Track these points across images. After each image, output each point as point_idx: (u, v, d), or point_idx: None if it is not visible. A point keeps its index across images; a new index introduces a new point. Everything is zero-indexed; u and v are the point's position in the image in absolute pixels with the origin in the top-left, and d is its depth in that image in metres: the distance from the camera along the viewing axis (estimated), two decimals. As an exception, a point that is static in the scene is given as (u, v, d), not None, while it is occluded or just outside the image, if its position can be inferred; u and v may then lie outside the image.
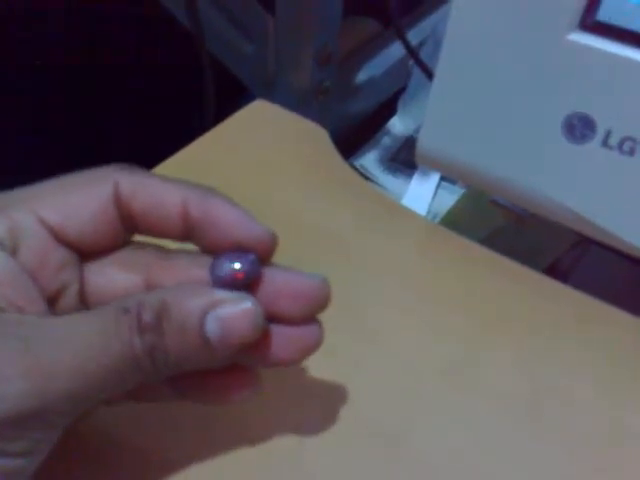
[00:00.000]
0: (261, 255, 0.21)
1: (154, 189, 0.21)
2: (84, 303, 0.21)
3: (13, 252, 0.19)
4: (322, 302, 0.21)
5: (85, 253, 0.21)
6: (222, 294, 0.19)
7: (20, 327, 0.18)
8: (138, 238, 0.22)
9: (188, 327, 0.19)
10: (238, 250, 0.20)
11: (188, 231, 0.21)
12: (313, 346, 0.21)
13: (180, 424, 0.25)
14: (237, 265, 0.20)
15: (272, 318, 0.21)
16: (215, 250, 0.21)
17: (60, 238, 0.20)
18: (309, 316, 0.21)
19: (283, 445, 0.24)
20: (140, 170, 0.21)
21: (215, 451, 0.24)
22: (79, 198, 0.20)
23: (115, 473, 0.23)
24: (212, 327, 0.19)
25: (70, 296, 0.21)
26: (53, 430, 0.18)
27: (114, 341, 0.18)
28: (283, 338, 0.21)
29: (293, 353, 0.21)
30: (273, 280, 0.21)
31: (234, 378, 0.22)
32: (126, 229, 0.21)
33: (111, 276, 0.22)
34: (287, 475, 0.24)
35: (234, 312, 0.19)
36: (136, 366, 0.18)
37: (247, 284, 0.20)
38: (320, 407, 0.26)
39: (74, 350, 0.17)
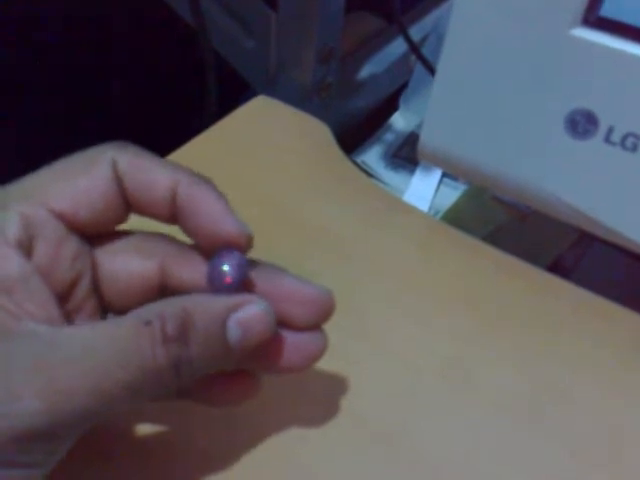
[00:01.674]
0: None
1: (147, 170, 0.21)
2: (98, 291, 0.21)
3: (29, 250, 0.19)
4: (328, 311, 0.21)
5: (95, 237, 0.21)
6: (237, 298, 0.20)
7: (33, 342, 0.18)
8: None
9: (212, 333, 0.19)
10: (227, 250, 0.20)
11: (175, 215, 0.21)
12: (317, 354, 0.22)
13: (181, 421, 0.25)
14: (225, 267, 0.20)
15: (279, 322, 0.21)
16: (195, 236, 0.21)
17: (72, 225, 0.20)
18: (314, 324, 0.21)
19: (283, 444, 0.24)
20: (135, 148, 0.21)
21: (215, 449, 0.24)
22: (85, 181, 0.20)
23: (117, 470, 0.24)
24: (233, 331, 0.19)
25: (84, 285, 0.21)
26: (65, 443, 0.18)
27: (134, 356, 0.18)
28: (289, 344, 0.21)
29: (298, 360, 0.21)
30: (282, 285, 0.21)
31: (237, 382, 0.22)
32: (126, 207, 0.21)
33: (126, 262, 0.22)
34: (287, 474, 0.24)
35: (252, 314, 0.19)
36: (158, 379, 0.18)
37: (237, 286, 0.20)
38: (320, 406, 0.26)
39: (89, 367, 0.17)
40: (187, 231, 0.21)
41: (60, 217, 0.20)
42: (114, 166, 0.21)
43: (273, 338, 0.21)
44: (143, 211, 0.21)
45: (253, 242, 0.21)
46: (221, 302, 0.19)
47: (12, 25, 0.58)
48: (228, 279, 0.20)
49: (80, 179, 0.20)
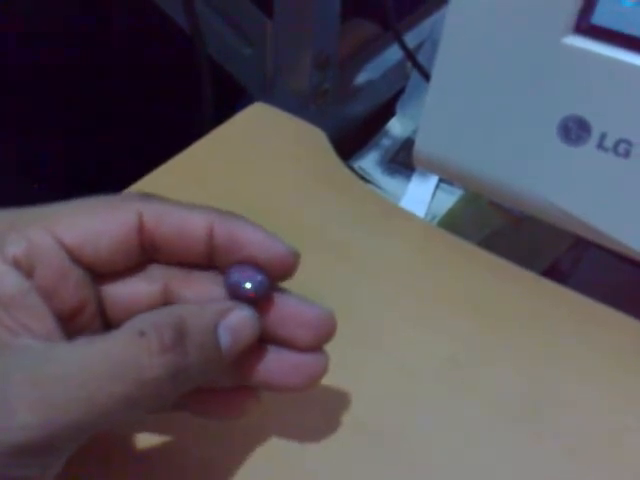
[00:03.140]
0: (284, 272, 0.21)
1: (179, 216, 0.21)
2: (104, 315, 0.22)
3: (29, 272, 0.19)
4: (329, 332, 0.22)
5: (99, 273, 0.21)
6: (225, 305, 0.20)
7: (29, 356, 0.18)
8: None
9: (206, 340, 0.19)
10: (248, 265, 0.21)
11: (212, 254, 0.21)
12: (318, 374, 0.22)
13: (180, 428, 0.25)
14: (248, 285, 0.21)
15: (281, 343, 0.21)
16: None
17: (76, 259, 0.20)
18: (316, 345, 0.22)
19: (282, 449, 0.25)
20: (160, 197, 0.22)
21: (214, 455, 0.24)
22: (100, 224, 0.20)
23: (116, 476, 0.24)
24: (224, 337, 0.19)
25: (88, 310, 0.21)
26: (61, 455, 0.18)
27: (130, 368, 0.18)
28: (290, 364, 0.22)
29: (298, 380, 0.22)
30: (285, 306, 0.21)
31: (236, 397, 0.22)
32: (143, 254, 0.21)
33: (130, 286, 0.22)
34: (288, 477, 0.24)
35: (240, 320, 0.20)
36: (155, 390, 0.18)
37: (258, 300, 0.21)
38: (320, 408, 0.26)
39: (84, 381, 0.17)
40: (227, 265, 0.21)
41: (66, 249, 0.20)
42: (139, 216, 0.21)
43: (275, 358, 0.21)
44: (176, 257, 0.22)
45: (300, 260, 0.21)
46: (212, 309, 0.20)
47: (11, 26, 0.59)
48: (252, 294, 0.21)
49: (95, 220, 0.21)
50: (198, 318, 0.19)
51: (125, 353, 0.18)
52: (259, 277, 0.21)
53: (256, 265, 0.21)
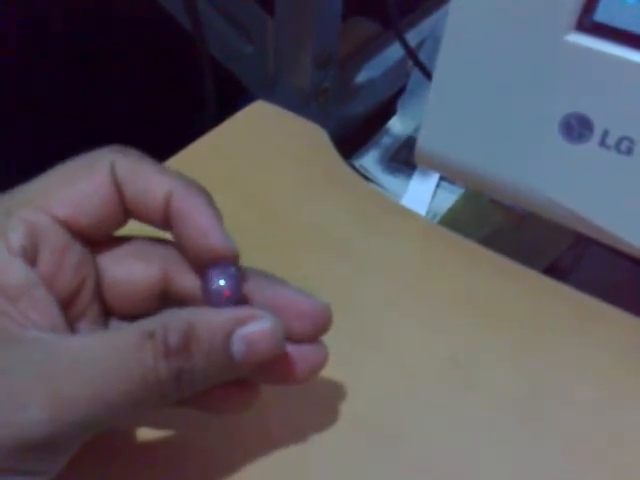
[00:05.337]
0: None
1: (145, 177, 0.21)
2: (101, 296, 0.22)
3: (33, 257, 0.19)
4: (325, 324, 0.22)
5: (97, 242, 0.21)
6: (243, 312, 0.19)
7: (37, 350, 0.18)
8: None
9: (216, 347, 0.19)
10: (220, 264, 0.20)
11: (167, 222, 0.21)
12: (318, 365, 0.22)
13: (182, 422, 0.25)
14: (222, 282, 0.20)
15: None
16: (185, 247, 0.21)
17: (74, 230, 0.20)
18: (313, 336, 0.22)
19: (282, 446, 0.25)
20: (134, 153, 0.21)
21: (216, 448, 0.24)
22: (86, 187, 0.20)
23: (120, 470, 0.24)
24: (238, 346, 0.19)
25: (88, 291, 0.21)
26: (68, 451, 0.18)
27: (135, 367, 0.18)
28: (288, 357, 0.21)
29: (298, 372, 0.21)
30: (283, 298, 0.21)
31: (236, 391, 0.22)
32: (125, 212, 0.21)
33: (128, 269, 0.22)
34: (288, 475, 0.24)
35: (259, 330, 0.19)
36: (159, 391, 0.18)
37: (236, 299, 0.20)
38: (319, 408, 0.26)
39: (91, 377, 0.17)
40: (178, 241, 0.21)
41: (63, 223, 0.20)
42: (113, 171, 0.21)
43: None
44: (140, 217, 0.22)
45: (239, 258, 0.21)
46: (226, 316, 0.19)
47: (12, 27, 0.58)
48: (227, 292, 0.20)
49: (81, 185, 0.20)
50: (210, 323, 0.19)
51: (132, 352, 0.18)
52: (231, 272, 0.20)
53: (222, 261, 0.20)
